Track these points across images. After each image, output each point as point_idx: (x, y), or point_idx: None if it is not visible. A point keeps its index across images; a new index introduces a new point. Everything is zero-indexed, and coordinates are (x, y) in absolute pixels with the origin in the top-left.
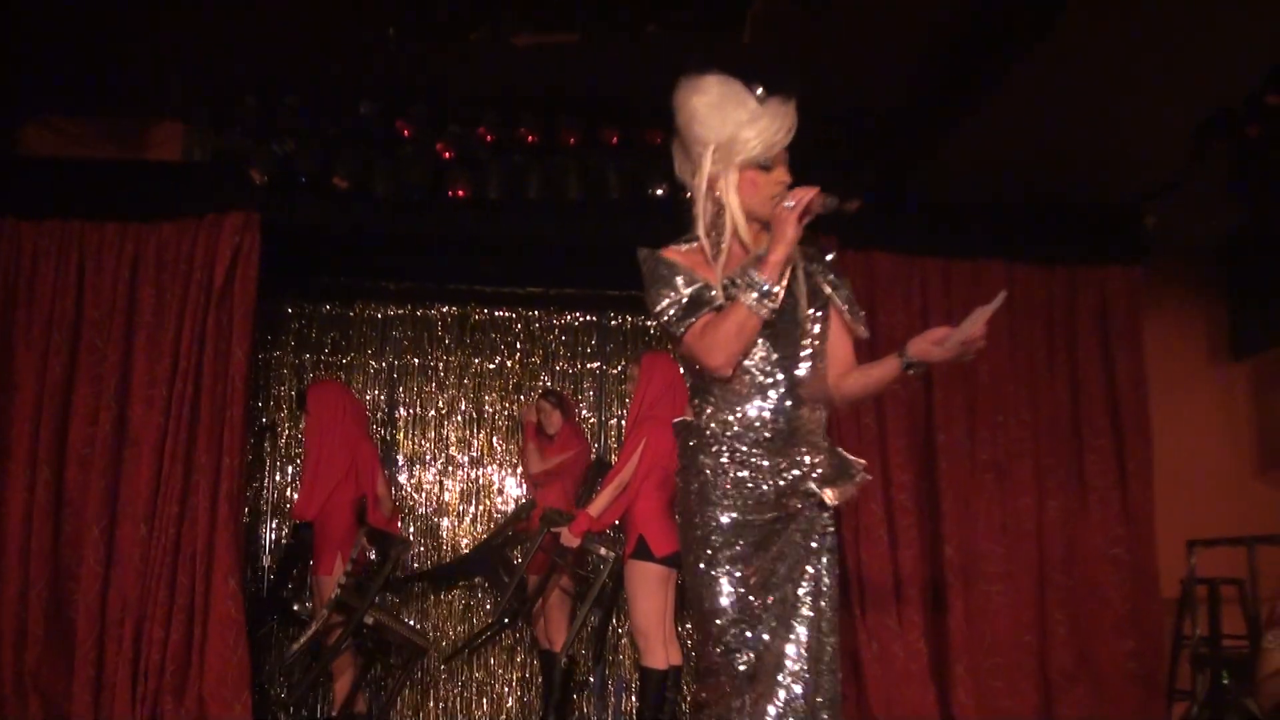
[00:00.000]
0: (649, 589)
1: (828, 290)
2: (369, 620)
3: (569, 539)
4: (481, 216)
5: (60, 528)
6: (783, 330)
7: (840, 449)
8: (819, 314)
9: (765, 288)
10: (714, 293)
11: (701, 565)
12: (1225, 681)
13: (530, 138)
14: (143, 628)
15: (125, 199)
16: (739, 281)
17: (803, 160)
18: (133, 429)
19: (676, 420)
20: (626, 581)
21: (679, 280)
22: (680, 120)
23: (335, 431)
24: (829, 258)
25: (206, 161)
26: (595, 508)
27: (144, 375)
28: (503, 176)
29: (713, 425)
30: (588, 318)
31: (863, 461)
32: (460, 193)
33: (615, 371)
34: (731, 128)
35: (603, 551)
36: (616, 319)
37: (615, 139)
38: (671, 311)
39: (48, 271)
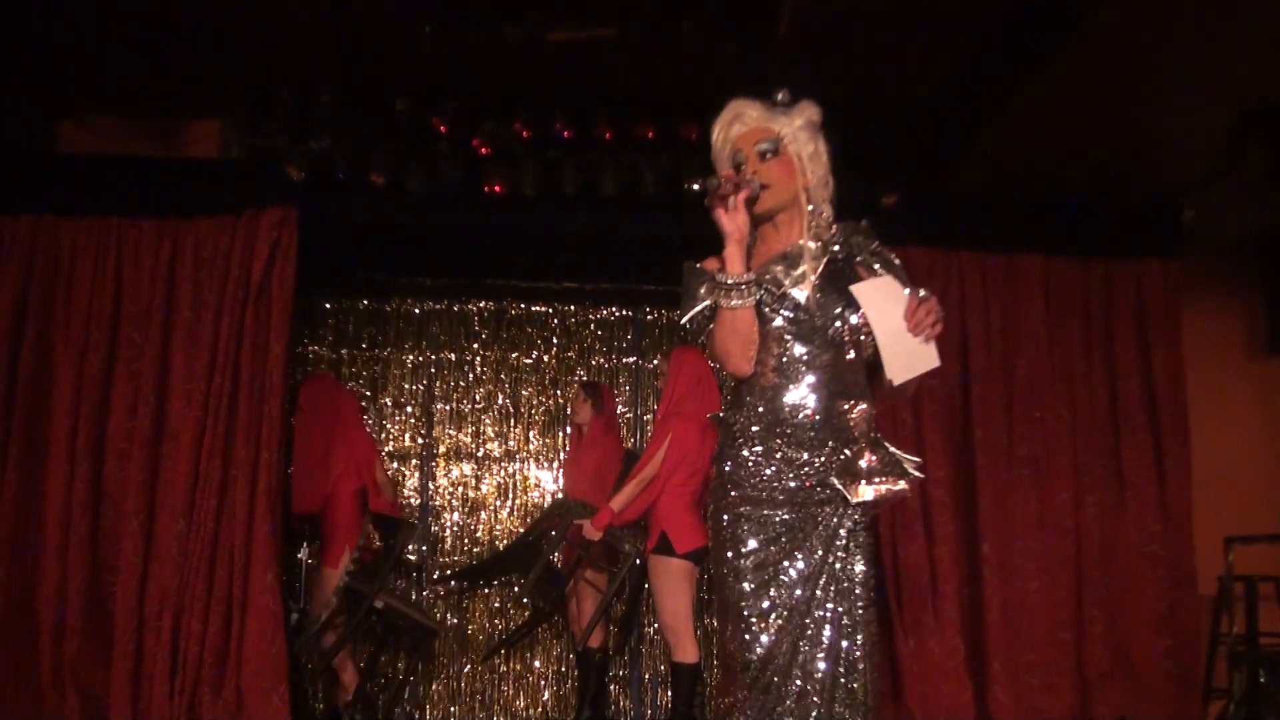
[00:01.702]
0: (672, 585)
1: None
2: (379, 604)
3: (590, 532)
4: (517, 212)
5: (99, 521)
6: (811, 326)
7: (889, 445)
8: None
9: (728, 282)
10: None
11: (723, 558)
12: (1262, 680)
13: (566, 133)
14: (181, 620)
15: (162, 196)
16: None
17: (842, 155)
18: (171, 424)
19: (710, 415)
20: (650, 577)
21: (701, 290)
22: None
23: (330, 425)
24: (863, 239)
25: (243, 158)
26: (618, 502)
27: (182, 371)
28: (538, 172)
29: (739, 420)
30: (623, 313)
31: (916, 459)
32: (496, 188)
33: (651, 366)
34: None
35: (627, 548)
36: (652, 314)
37: (651, 134)
38: (694, 321)
39: (86, 268)
